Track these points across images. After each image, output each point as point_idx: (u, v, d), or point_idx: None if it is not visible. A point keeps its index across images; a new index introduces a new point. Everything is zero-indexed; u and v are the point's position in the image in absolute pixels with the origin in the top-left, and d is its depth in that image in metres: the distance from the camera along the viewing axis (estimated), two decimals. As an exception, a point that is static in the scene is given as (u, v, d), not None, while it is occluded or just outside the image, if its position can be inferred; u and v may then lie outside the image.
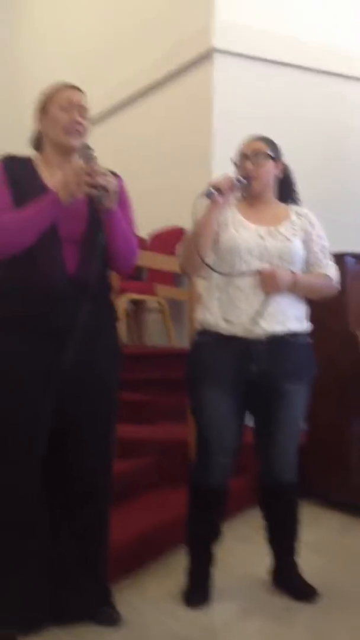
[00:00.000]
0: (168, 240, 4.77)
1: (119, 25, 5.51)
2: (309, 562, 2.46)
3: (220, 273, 2.20)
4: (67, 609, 2.06)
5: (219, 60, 4.38)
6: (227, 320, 2.20)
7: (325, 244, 2.32)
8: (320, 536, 2.94)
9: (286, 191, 2.40)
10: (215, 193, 2.15)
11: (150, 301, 4.79)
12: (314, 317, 3.40)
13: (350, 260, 3.28)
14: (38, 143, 2.11)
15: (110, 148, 5.37)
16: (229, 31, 4.37)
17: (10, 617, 1.98)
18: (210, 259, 2.23)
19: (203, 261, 2.17)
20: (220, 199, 2.17)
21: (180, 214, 4.72)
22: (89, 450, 2.04)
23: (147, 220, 4.90)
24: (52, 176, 1.99)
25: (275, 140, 2.36)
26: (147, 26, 5.13)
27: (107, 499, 2.12)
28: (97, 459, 2.07)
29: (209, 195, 2.15)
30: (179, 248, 2.30)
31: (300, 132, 4.56)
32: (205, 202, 2.18)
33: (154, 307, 4.89)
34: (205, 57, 4.44)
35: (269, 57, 4.51)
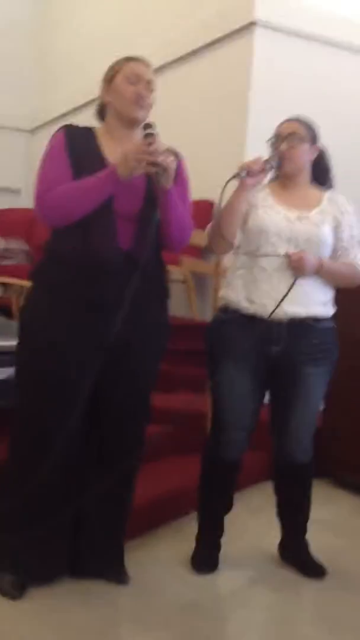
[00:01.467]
0: (196, 212, 4.72)
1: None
2: (319, 540, 2.49)
3: (247, 254, 2.20)
4: (80, 564, 2.13)
5: (259, 34, 4.30)
6: (249, 300, 2.21)
7: (356, 233, 2.31)
8: (332, 515, 2.97)
9: (322, 176, 2.37)
10: (244, 175, 2.15)
11: (175, 272, 4.79)
12: (340, 301, 3.41)
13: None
14: (102, 114, 2.11)
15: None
16: (271, 4, 4.29)
17: (26, 565, 2.04)
18: (237, 238, 2.23)
19: (229, 242, 2.18)
20: (249, 181, 2.17)
21: (210, 187, 4.68)
22: (125, 416, 2.09)
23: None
24: (113, 148, 2.00)
25: (313, 119, 2.33)
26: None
27: (135, 465, 2.16)
28: (132, 424, 2.12)
29: (238, 176, 2.15)
30: (208, 227, 2.30)
31: (338, 111, 4.48)
32: (235, 183, 2.18)
33: (177, 278, 4.89)
34: (246, 29, 4.37)
35: (311, 33, 4.42)
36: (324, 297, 2.27)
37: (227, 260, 2.41)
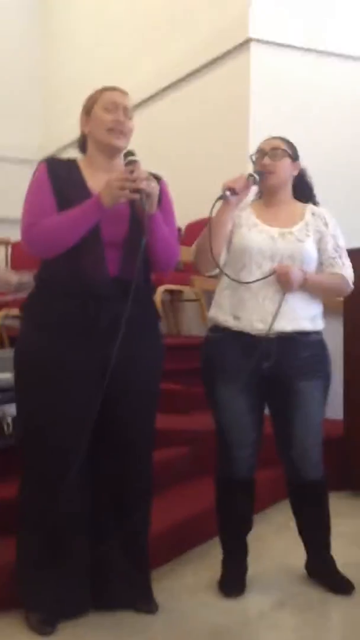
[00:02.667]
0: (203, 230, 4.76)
1: (155, 13, 5.51)
2: (346, 554, 2.46)
3: (231, 279, 2.22)
4: (107, 596, 2.11)
5: (255, 49, 4.36)
6: (236, 317, 2.23)
7: (340, 244, 2.33)
8: (357, 528, 2.91)
9: (305, 193, 2.40)
10: (229, 194, 2.17)
11: (187, 292, 4.80)
12: (351, 310, 3.39)
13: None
14: (83, 145, 2.14)
15: (147, 136, 5.39)
16: (266, 20, 4.34)
17: (52, 602, 2.03)
18: (222, 258, 2.25)
19: (216, 263, 2.21)
20: (233, 199, 2.20)
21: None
22: (131, 444, 2.08)
23: (183, 210, 4.91)
24: (95, 178, 2.02)
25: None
26: (184, 15, 5.12)
27: (148, 492, 2.16)
28: (139, 451, 2.11)
29: (223, 197, 2.18)
30: (193, 246, 2.31)
31: (336, 120, 4.50)
32: (219, 203, 2.21)
33: (190, 297, 4.90)
34: (242, 46, 4.41)
35: (306, 45, 4.47)
36: (311, 311, 2.28)
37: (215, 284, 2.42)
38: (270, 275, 2.19)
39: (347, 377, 3.46)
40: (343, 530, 2.45)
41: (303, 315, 2.24)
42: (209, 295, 4.70)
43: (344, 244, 2.34)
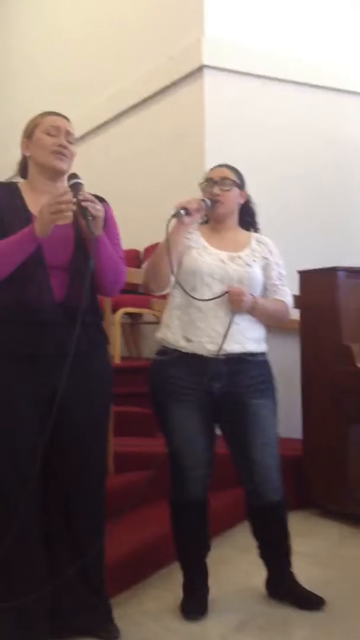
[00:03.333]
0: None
1: (110, 39, 5.58)
2: (306, 574, 2.48)
3: (192, 297, 2.25)
4: (66, 625, 2.07)
5: (209, 76, 4.44)
6: (187, 339, 2.26)
7: (283, 272, 2.41)
8: (318, 547, 2.95)
9: (248, 220, 2.48)
10: (183, 213, 2.22)
11: (146, 314, 4.82)
12: (307, 329, 3.46)
13: (341, 274, 3.33)
14: (24, 169, 2.13)
15: (104, 161, 5.45)
16: (218, 47, 4.44)
17: (9, 635, 1.98)
18: (172, 278, 2.28)
19: (165, 279, 2.25)
20: (186, 219, 2.25)
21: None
22: (81, 469, 2.06)
23: (140, 234, 4.95)
24: (37, 202, 2.01)
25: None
26: (138, 41, 5.20)
27: (101, 513, 2.13)
28: (90, 476, 2.08)
29: (177, 215, 2.22)
30: (144, 265, 2.34)
31: (289, 145, 4.61)
32: (174, 222, 2.25)
33: (150, 320, 4.92)
34: (195, 73, 4.50)
35: (258, 72, 4.58)
36: (257, 334, 2.34)
37: (161, 305, 2.44)
38: (223, 295, 2.23)
39: (304, 396, 3.51)
40: (303, 550, 2.47)
41: (250, 337, 2.29)
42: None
43: (284, 272, 2.42)
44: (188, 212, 2.23)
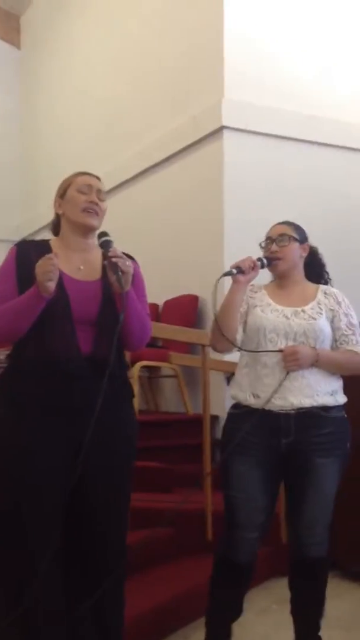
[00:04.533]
0: (182, 307, 4.85)
1: (135, 99, 5.77)
2: (329, 637, 2.40)
3: (245, 350, 2.26)
4: None
5: (228, 137, 4.57)
6: (255, 395, 2.25)
7: (353, 322, 2.35)
8: (343, 610, 2.86)
9: (316, 272, 2.46)
10: (235, 272, 2.24)
11: (165, 368, 4.83)
12: (350, 393, 3.40)
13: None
14: (57, 228, 2.19)
15: (126, 217, 5.56)
16: (238, 109, 4.58)
17: None
18: (239, 337, 2.29)
19: (230, 341, 2.25)
20: (241, 277, 2.25)
21: (194, 282, 4.84)
22: (105, 526, 2.02)
23: (160, 288, 5.02)
24: (69, 259, 2.06)
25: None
26: (162, 101, 5.37)
27: (122, 573, 2.08)
28: (113, 533, 2.04)
29: (229, 273, 2.24)
30: (210, 326, 2.35)
31: (311, 204, 4.68)
32: (227, 280, 2.26)
33: (168, 373, 4.93)
34: (216, 133, 4.63)
35: (277, 132, 4.71)
36: (329, 387, 2.27)
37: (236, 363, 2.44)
38: (278, 350, 2.21)
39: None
40: (326, 612, 2.39)
41: (321, 390, 2.24)
42: (187, 371, 4.75)
43: (356, 321, 2.37)
44: (241, 271, 2.23)
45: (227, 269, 2.28)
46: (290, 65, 4.82)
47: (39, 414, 1.95)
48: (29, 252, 2.05)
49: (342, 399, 2.30)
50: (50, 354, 1.96)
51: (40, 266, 1.90)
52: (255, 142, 4.64)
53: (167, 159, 5.21)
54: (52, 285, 1.90)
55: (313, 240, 2.40)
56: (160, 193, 5.34)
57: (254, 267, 2.27)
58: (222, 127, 4.55)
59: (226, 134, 4.56)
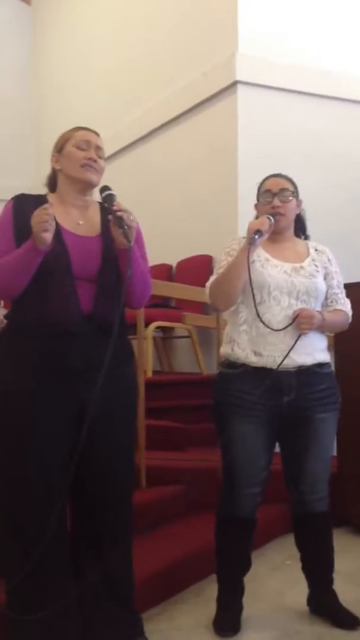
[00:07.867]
0: (195, 267, 4.82)
1: (143, 57, 5.64)
2: (342, 592, 2.42)
3: (265, 324, 2.20)
4: (96, 638, 2.05)
5: (242, 92, 4.46)
6: (257, 353, 2.23)
7: (341, 280, 2.39)
8: (355, 566, 2.89)
9: (299, 226, 2.45)
10: (257, 237, 2.20)
11: (179, 328, 4.83)
12: (341, 347, 3.40)
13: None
14: (53, 183, 2.15)
15: (138, 178, 5.49)
16: (251, 63, 4.46)
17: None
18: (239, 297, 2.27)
19: (234, 299, 2.24)
20: (258, 240, 2.22)
21: (207, 243, 4.79)
22: (109, 484, 2.03)
23: (174, 248, 4.97)
24: (67, 215, 2.03)
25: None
26: (171, 58, 5.25)
27: (128, 528, 2.10)
28: (118, 491, 2.05)
29: (253, 241, 2.19)
30: (210, 285, 2.32)
31: (323, 160, 4.60)
32: (246, 244, 2.21)
33: (182, 334, 4.92)
34: (229, 89, 4.52)
35: (290, 87, 4.59)
36: (322, 344, 2.34)
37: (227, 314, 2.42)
38: (294, 319, 2.20)
39: (340, 412, 3.45)
40: (338, 568, 2.42)
41: (318, 347, 2.29)
42: (201, 331, 4.74)
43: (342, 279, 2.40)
44: (261, 234, 2.21)
45: (241, 228, 2.24)
46: (305, 18, 4.68)
47: (41, 376, 1.93)
48: (26, 205, 2.01)
49: (329, 355, 2.37)
50: (50, 313, 1.93)
51: (36, 216, 1.86)
52: (270, 97, 4.54)
53: (180, 117, 5.10)
54: (47, 236, 1.86)
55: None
56: (173, 152, 5.25)
57: (270, 228, 2.25)
58: (236, 82, 4.44)
59: (240, 89, 4.45)
